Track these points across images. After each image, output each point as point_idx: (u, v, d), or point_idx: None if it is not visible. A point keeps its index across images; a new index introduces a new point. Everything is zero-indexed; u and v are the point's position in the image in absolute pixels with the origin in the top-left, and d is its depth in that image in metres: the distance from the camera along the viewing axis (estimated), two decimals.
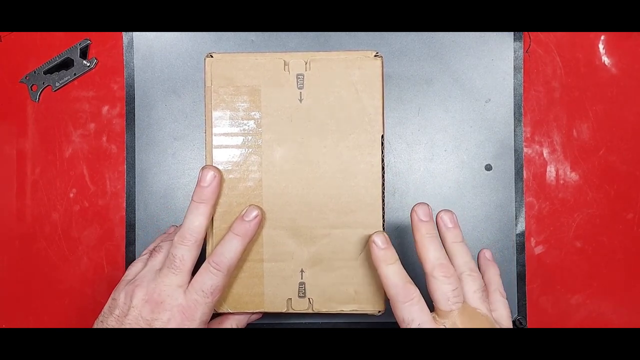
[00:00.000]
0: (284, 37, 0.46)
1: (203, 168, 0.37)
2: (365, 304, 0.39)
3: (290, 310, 0.39)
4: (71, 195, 0.47)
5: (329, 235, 0.39)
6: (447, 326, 0.34)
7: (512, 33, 0.46)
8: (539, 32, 0.46)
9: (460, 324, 0.34)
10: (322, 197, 0.38)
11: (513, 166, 0.46)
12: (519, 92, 0.46)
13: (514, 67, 0.46)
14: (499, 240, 0.46)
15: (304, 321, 0.46)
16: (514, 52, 0.46)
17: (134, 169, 0.46)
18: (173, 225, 0.45)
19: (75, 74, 0.47)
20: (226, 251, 0.36)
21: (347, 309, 0.39)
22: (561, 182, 0.46)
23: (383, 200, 0.38)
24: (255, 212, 0.37)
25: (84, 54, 0.47)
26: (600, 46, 0.46)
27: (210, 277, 0.35)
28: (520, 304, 0.46)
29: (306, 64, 0.38)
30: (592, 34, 0.47)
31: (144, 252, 0.40)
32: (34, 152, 0.47)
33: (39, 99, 0.47)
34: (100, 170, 0.47)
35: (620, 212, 0.46)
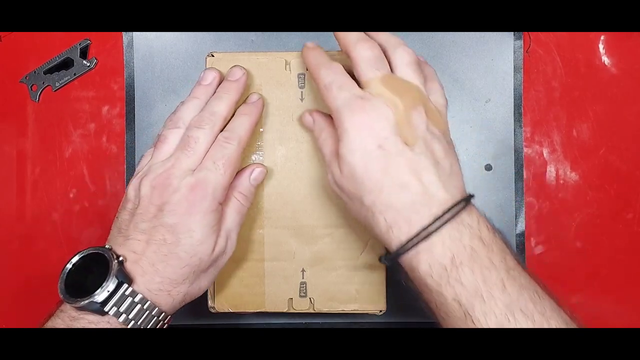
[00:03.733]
0: (284, 37, 0.46)
1: (232, 67, 0.37)
2: (366, 304, 0.39)
3: (291, 310, 0.39)
4: (71, 195, 0.47)
5: (331, 235, 0.39)
6: (372, 94, 0.31)
7: (512, 33, 0.46)
8: (539, 32, 0.46)
9: (385, 93, 0.31)
10: (323, 196, 0.38)
11: (513, 166, 0.46)
12: (518, 92, 0.46)
13: (514, 67, 0.46)
14: None
15: (304, 321, 0.46)
16: (514, 52, 0.46)
17: (134, 169, 0.46)
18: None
19: (75, 74, 0.47)
20: (236, 126, 0.35)
21: (349, 308, 0.39)
22: (561, 182, 0.46)
23: None
24: (256, 96, 0.37)
25: (84, 54, 0.47)
26: (600, 46, 0.47)
27: (220, 149, 0.34)
28: None
29: None
30: (592, 34, 0.47)
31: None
32: (34, 152, 0.47)
33: (39, 99, 0.47)
34: (100, 170, 0.47)
35: (620, 212, 0.46)
